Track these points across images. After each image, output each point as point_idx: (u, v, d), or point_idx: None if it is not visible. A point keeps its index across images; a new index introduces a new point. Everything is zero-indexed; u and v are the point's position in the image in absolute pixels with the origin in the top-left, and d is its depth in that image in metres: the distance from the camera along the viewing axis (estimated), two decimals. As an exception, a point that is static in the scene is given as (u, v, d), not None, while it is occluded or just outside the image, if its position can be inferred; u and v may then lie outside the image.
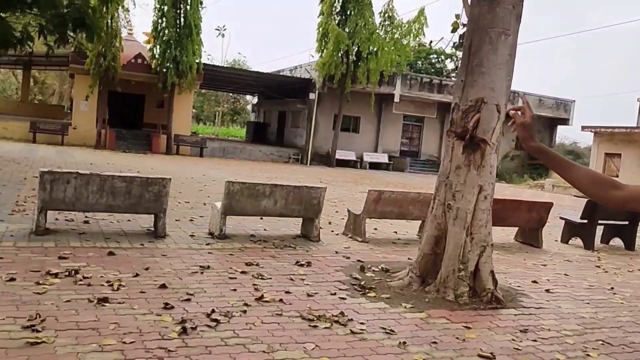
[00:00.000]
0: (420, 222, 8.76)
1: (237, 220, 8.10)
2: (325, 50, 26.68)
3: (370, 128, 31.78)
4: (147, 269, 5.24)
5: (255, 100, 42.58)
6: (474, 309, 5.07)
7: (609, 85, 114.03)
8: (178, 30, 24.16)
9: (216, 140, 33.73)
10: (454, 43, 6.03)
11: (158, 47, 24.52)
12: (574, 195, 24.04)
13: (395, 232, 9.12)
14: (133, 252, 5.90)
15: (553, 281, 6.67)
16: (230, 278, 5.23)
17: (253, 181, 7.54)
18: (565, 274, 7.19)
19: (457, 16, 5.63)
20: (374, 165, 30.49)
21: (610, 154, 25.18)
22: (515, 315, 5.06)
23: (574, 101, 35.45)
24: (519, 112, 1.88)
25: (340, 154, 29.33)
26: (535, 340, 4.41)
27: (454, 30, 5.79)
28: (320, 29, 27.13)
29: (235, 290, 4.86)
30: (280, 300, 4.71)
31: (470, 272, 5.34)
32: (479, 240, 5.41)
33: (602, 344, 4.48)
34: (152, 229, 6.91)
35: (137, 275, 4.99)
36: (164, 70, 24.47)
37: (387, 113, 31.54)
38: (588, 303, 5.79)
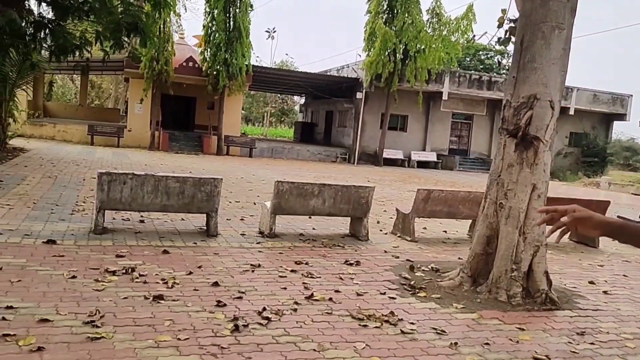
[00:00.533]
0: (470, 221, 8.61)
1: (286, 220, 8.20)
2: (372, 49, 26.56)
3: (418, 126, 31.43)
4: (200, 267, 5.38)
5: (302, 100, 42.88)
6: (527, 310, 4.95)
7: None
8: (228, 33, 24.60)
9: (265, 140, 34.17)
10: (499, 38, 5.88)
11: (208, 50, 25.05)
12: (632, 194, 23.02)
13: (445, 232, 9.00)
14: (186, 250, 6.07)
15: (611, 282, 6.43)
16: (281, 276, 5.30)
17: (301, 181, 7.61)
18: (624, 275, 6.90)
19: (504, 11, 5.49)
20: (422, 164, 30.13)
21: (672, 150, 23.95)
22: (571, 317, 4.91)
23: (632, 95, 33.91)
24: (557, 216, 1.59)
25: (387, 153, 29.15)
26: (592, 344, 4.26)
27: (500, 26, 5.65)
28: (368, 27, 27.03)
29: (285, 288, 4.93)
30: (330, 299, 4.74)
31: (523, 273, 5.21)
32: (532, 239, 5.28)
33: (666, 349, 4.29)
34: (205, 228, 7.08)
35: (190, 273, 5.14)
36: (215, 72, 24.97)
37: (435, 111, 31.11)
38: (650, 306, 5.55)
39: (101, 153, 20.48)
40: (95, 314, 3.88)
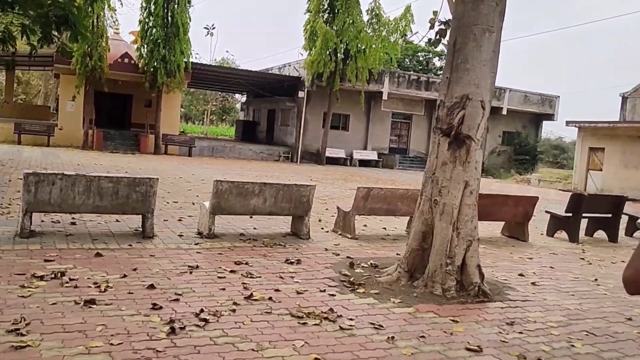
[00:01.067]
0: (409, 218, 8.81)
1: (226, 220, 8.10)
2: (313, 49, 26.67)
3: (359, 126, 31.85)
4: (135, 269, 5.23)
5: (244, 98, 42.49)
6: (461, 303, 5.11)
7: (595, 80, 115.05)
8: (166, 29, 24.02)
9: (205, 139, 33.62)
10: (429, 39, 6.05)
11: (145, 46, 24.36)
12: (560, 190, 24.26)
13: (385, 229, 9.16)
14: (121, 253, 5.88)
15: (539, 274, 6.75)
16: (219, 277, 5.23)
17: (243, 180, 7.54)
18: (550, 267, 7.27)
19: (435, 13, 5.65)
20: (364, 163, 30.57)
21: (594, 148, 25.41)
22: (502, 308, 5.11)
23: (559, 97, 35.74)
24: None
25: (330, 152, 29.38)
26: (521, 333, 4.46)
27: (431, 27, 5.80)
28: (308, 27, 27.12)
29: (224, 289, 4.87)
30: (270, 298, 4.72)
31: (457, 267, 5.38)
32: (465, 234, 5.46)
33: (587, 335, 4.55)
34: (140, 229, 6.89)
35: (124, 276, 4.98)
36: (152, 69, 24.32)
37: (376, 111, 31.62)
38: (573, 295, 5.86)
39: (29, 153, 19.51)
40: (20, 322, 3.69)
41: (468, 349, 3.98)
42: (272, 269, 5.72)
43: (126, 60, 25.16)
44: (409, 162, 31.98)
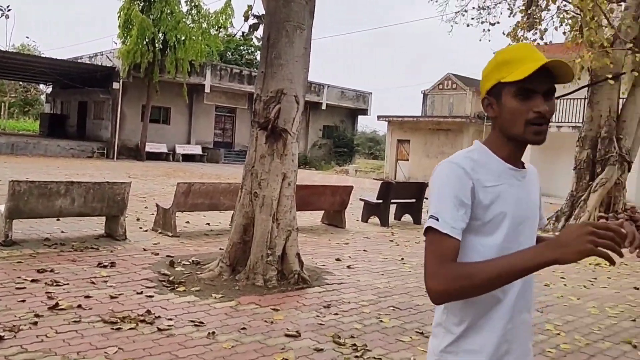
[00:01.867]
0: (232, 212, 8.81)
1: (28, 224, 7.30)
2: (129, 38, 25.19)
3: (182, 119, 30.94)
4: None
5: (49, 89, 38.47)
6: (282, 292, 5.28)
7: (402, 78, 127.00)
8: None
9: (3, 135, 29.78)
10: (243, 32, 6.15)
11: None
12: (374, 179, 26.36)
13: (208, 224, 9.06)
14: None
15: (354, 257, 7.26)
16: (18, 288, 4.69)
17: (50, 179, 6.84)
18: (364, 250, 7.86)
19: (250, 7, 5.74)
20: (188, 158, 29.81)
21: (401, 140, 28.12)
22: (319, 292, 5.40)
23: (371, 93, 38.74)
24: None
25: (150, 147, 28.06)
26: (337, 314, 4.76)
27: (245, 19, 5.88)
28: (122, 14, 25.52)
29: (23, 301, 4.38)
30: (79, 306, 4.37)
31: (277, 257, 5.54)
32: (284, 225, 5.64)
33: (393, 309, 5.02)
34: None
35: None
36: None
37: (199, 104, 31.01)
38: (382, 274, 6.42)
39: None
40: None
41: (287, 335, 4.13)
42: (82, 275, 5.30)
43: None
44: (235, 156, 31.99)
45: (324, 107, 35.18)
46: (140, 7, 25.66)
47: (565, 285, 6.72)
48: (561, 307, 5.64)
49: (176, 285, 5.16)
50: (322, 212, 10.21)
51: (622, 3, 12.16)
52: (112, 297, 4.67)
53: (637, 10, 11.39)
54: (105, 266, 5.68)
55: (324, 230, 9.43)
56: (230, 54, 42.19)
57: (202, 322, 4.24)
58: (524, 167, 1.50)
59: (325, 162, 33.89)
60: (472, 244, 1.39)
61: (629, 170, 12.15)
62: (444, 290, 1.30)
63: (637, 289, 6.82)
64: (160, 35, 25.65)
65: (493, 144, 1.47)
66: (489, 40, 34.28)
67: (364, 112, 38.74)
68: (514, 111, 1.40)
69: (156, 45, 25.76)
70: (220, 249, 6.86)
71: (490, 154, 1.45)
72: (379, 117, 29.83)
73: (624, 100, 12.14)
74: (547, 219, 12.02)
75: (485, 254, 1.37)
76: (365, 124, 53.17)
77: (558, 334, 4.72)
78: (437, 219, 1.34)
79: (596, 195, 11.69)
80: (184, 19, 26.15)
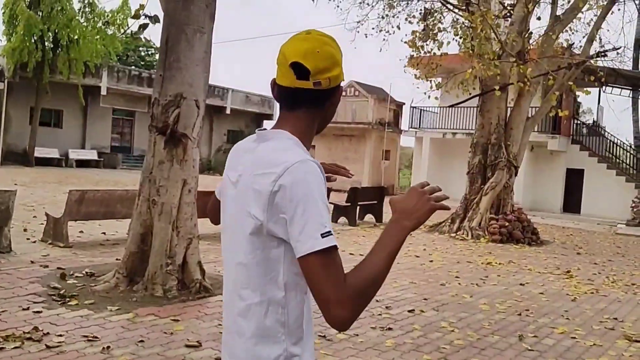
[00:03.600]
0: (130, 220, 8.44)
1: None
2: (14, 34, 23.37)
3: (75, 122, 29.17)
4: None
5: None
6: (182, 302, 5.13)
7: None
8: None
9: None
10: (132, 32, 5.95)
11: None
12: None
13: (104, 233, 8.62)
14: None
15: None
16: None
17: None
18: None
19: (142, 6, 5.54)
20: (82, 163, 28.11)
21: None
22: (222, 301, 5.29)
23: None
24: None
25: (40, 152, 26.15)
26: (239, 322, 4.69)
27: (136, 18, 5.68)
28: (7, 9, 23.66)
29: None
30: (-47, 327, 3.98)
31: (178, 266, 5.38)
32: (185, 233, 5.49)
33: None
34: None
35: None
36: None
37: (95, 106, 29.38)
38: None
39: None
40: None
41: (187, 346, 4.02)
42: (-42, 292, 4.84)
43: None
44: (134, 161, 30.66)
45: (228, 111, 34.72)
46: (28, 2, 23.93)
47: (459, 284, 7.12)
48: (455, 305, 5.97)
49: (67, 299, 4.85)
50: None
51: (508, 19, 13.17)
52: (-7, 316, 4.30)
53: (521, 25, 12.37)
54: (-15, 282, 5.22)
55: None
56: (128, 55, 40.53)
57: (96, 337, 4.02)
58: None
59: (230, 168, 33.44)
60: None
61: (515, 175, 13.13)
62: (355, 314, 1.18)
63: (523, 285, 7.38)
64: (50, 33, 24.06)
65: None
66: (387, 50, 35.56)
67: (270, 117, 38.71)
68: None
69: (46, 43, 24.14)
70: (117, 259, 6.53)
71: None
72: (284, 123, 29.96)
73: (511, 109, 13.11)
74: (443, 222, 12.76)
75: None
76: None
77: (452, 330, 4.99)
78: (330, 233, 1.18)
79: (487, 197, 12.50)
80: (77, 17, 24.73)
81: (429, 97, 13.88)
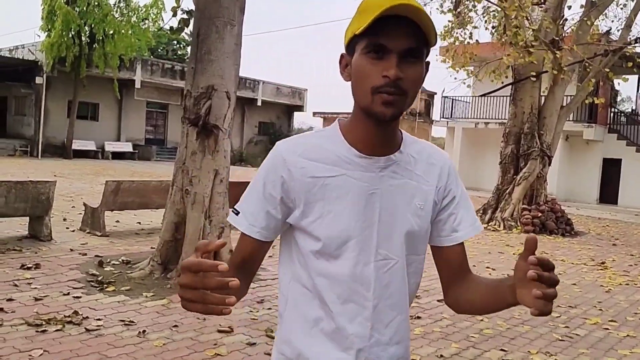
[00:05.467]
0: (164, 210, 8.65)
1: (-58, 226, 6.89)
2: (53, 30, 24.03)
3: (111, 115, 29.86)
4: None
5: (-35, 84, 36.05)
6: (214, 289, 5.25)
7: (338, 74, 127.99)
8: None
9: None
10: (171, 27, 6.08)
11: None
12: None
13: (139, 223, 8.86)
14: None
15: (288, 253, 7.31)
16: None
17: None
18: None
19: (178, 1, 5.66)
20: (118, 155, 28.81)
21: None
22: (253, 288, 5.38)
23: (307, 89, 38.86)
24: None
25: (78, 144, 26.92)
26: (270, 309, 4.80)
27: (174, 15, 5.80)
28: (46, 5, 24.31)
29: (-63, 307, 4.16)
30: (1, 309, 4.19)
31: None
32: (217, 222, 5.62)
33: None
34: None
35: None
36: None
37: (129, 99, 30.02)
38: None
39: None
40: None
41: (220, 331, 4.14)
42: (3, 277, 5.07)
43: None
44: (167, 153, 31.23)
45: (259, 103, 34.96)
46: (65, -2, 24.55)
47: (490, 274, 7.09)
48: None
49: (105, 285, 5.04)
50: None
51: (542, 5, 12.88)
52: (36, 299, 4.51)
53: (555, 12, 12.10)
54: (29, 268, 5.46)
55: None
56: (161, 49, 41.15)
57: (132, 322, 4.17)
58: (391, 153, 1.13)
59: (262, 159, 33.52)
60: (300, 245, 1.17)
61: (549, 165, 12.90)
62: None
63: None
64: (86, 28, 24.64)
65: (347, 123, 1.15)
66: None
67: (300, 108, 38.80)
68: (359, 73, 1.05)
69: (83, 38, 24.74)
70: (152, 247, 6.73)
71: (337, 136, 1.14)
72: (314, 114, 30.03)
73: (544, 97, 12.87)
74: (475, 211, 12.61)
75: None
76: (302, 121, 53.43)
77: (481, 320, 4.98)
78: (237, 213, 1.15)
79: (520, 188, 12.33)
80: (112, 12, 25.24)
81: (468, 85, 13.61)
